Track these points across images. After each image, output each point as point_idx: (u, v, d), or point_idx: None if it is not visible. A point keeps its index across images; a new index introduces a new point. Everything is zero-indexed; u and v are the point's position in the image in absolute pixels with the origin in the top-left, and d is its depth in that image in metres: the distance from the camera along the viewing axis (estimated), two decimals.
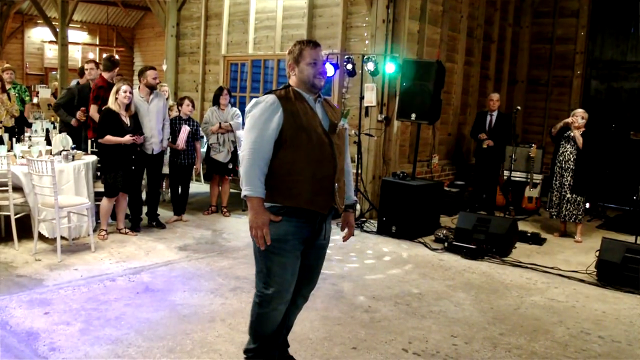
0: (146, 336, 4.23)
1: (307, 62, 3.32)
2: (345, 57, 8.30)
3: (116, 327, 4.36)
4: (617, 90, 11.21)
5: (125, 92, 6.61)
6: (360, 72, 8.16)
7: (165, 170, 7.96)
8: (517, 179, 9.60)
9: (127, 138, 6.64)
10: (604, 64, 11.34)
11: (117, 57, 9.91)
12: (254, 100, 3.32)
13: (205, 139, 8.33)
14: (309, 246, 3.41)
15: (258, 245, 3.26)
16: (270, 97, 3.25)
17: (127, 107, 6.73)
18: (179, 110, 7.95)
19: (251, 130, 3.23)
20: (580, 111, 7.89)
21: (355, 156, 8.14)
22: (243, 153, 3.22)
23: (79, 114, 8.07)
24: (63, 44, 14.82)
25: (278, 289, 3.36)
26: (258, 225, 3.21)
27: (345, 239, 3.73)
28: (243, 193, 3.21)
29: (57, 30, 14.86)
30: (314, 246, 3.44)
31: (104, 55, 9.10)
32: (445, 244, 7.14)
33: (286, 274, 3.35)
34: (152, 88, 7.15)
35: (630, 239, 7.01)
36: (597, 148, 8.03)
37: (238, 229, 7.63)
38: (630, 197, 9.26)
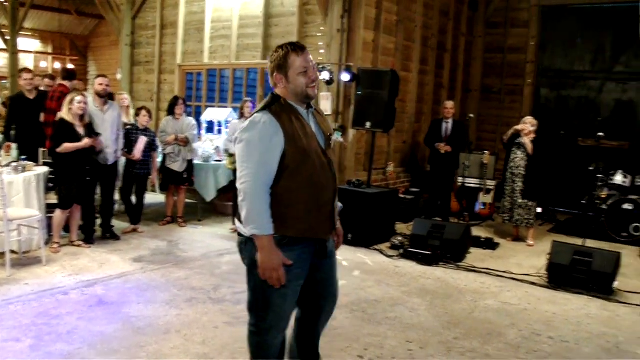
0: (99, 350, 4.16)
1: (298, 72, 2.95)
2: None
3: (68, 342, 4.28)
4: (565, 98, 11.53)
5: (79, 102, 6.53)
6: None
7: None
8: (471, 185, 9.77)
9: (86, 141, 6.54)
10: (553, 73, 11.65)
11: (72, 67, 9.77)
12: (248, 121, 2.94)
13: (160, 149, 8.27)
14: (317, 263, 3.15)
15: (272, 284, 2.93)
16: (267, 118, 2.89)
17: (82, 117, 6.64)
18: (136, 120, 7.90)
19: (250, 157, 2.87)
20: (529, 119, 8.10)
21: None
22: (243, 185, 2.86)
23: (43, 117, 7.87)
24: (13, 52, 14.54)
25: (276, 321, 3.10)
26: (273, 267, 2.88)
27: (335, 248, 3.39)
28: (249, 232, 2.89)
29: (7, 38, 14.57)
30: (323, 262, 3.19)
31: (67, 66, 8.96)
32: (401, 251, 7.23)
33: (286, 305, 3.09)
34: (102, 97, 7.06)
35: (580, 241, 7.20)
36: (547, 154, 8.25)
37: (194, 240, 7.58)
38: (579, 201, 9.54)
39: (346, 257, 7.14)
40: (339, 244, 3.39)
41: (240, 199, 2.91)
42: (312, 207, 2.97)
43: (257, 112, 2.97)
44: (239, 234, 3.09)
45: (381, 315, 5.15)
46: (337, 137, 3.10)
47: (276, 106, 2.96)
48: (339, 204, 3.36)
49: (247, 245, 3.02)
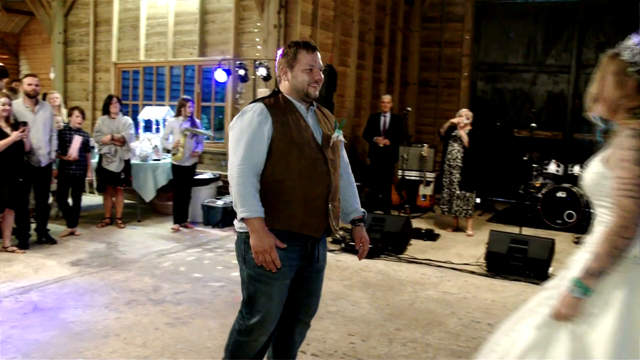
0: (35, 358, 4.04)
1: (303, 68, 2.94)
2: (237, 62, 8.29)
3: (1, 352, 4.13)
4: (500, 91, 11.82)
5: (3, 104, 6.32)
6: (252, 77, 8.17)
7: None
8: (411, 177, 9.91)
9: (15, 134, 6.32)
10: (488, 66, 11.92)
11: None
12: (241, 112, 2.97)
13: (96, 149, 8.09)
14: (305, 270, 3.08)
15: (268, 269, 2.87)
16: (258, 106, 2.92)
17: (7, 118, 6.42)
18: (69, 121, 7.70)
19: (238, 143, 2.87)
20: (464, 111, 8.26)
21: None
22: (231, 171, 2.86)
23: None
24: None
25: (261, 320, 3.00)
26: (265, 250, 2.82)
27: (360, 257, 3.28)
28: (239, 216, 2.83)
29: None
30: (311, 270, 3.11)
31: None
32: (343, 245, 7.27)
33: (271, 305, 2.99)
34: (32, 97, 6.84)
35: (517, 230, 7.40)
36: (483, 145, 8.44)
37: (133, 241, 7.44)
38: (516, 190, 9.80)
39: None
40: (365, 250, 3.25)
41: (230, 185, 2.91)
42: (301, 201, 2.91)
43: (253, 102, 3.03)
44: (235, 232, 3.10)
45: (323, 309, 5.16)
46: (337, 135, 2.99)
47: (272, 99, 3.00)
48: (361, 210, 3.31)
49: (237, 241, 3.04)
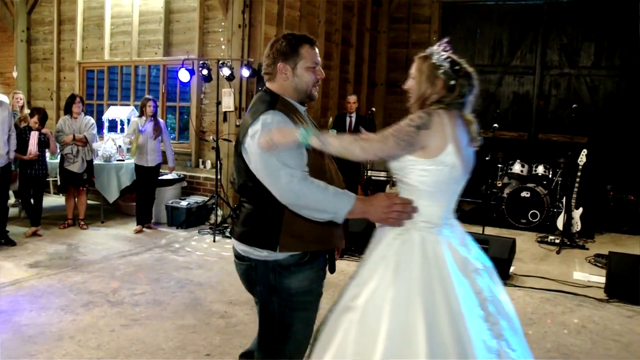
0: None
1: (307, 65, 2.58)
2: (201, 62, 8.24)
3: None
4: None
5: None
6: (217, 77, 8.12)
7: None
8: (378, 178, 9.94)
9: None
10: None
11: None
12: (258, 125, 2.43)
13: (58, 150, 7.98)
14: None
15: (404, 217, 2.45)
16: (279, 116, 2.47)
17: None
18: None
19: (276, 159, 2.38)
20: None
21: (215, 162, 8.09)
22: (288, 187, 2.34)
23: None
24: None
25: (295, 351, 2.65)
26: (390, 210, 2.42)
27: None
28: (341, 218, 2.40)
29: None
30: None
31: None
32: None
33: (307, 331, 2.66)
34: None
35: (480, 228, 7.47)
36: None
37: (95, 242, 7.35)
38: (481, 190, 9.89)
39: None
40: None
41: (294, 204, 2.38)
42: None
43: (261, 113, 2.47)
44: (243, 259, 2.63)
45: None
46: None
47: (280, 104, 2.54)
48: None
49: (258, 271, 2.58)
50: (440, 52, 2.52)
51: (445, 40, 2.58)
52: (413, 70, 2.58)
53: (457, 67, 2.50)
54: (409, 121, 2.40)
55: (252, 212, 2.58)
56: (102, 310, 5.00)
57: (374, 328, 2.28)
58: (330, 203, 2.35)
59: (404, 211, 2.44)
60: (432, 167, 2.43)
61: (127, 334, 4.51)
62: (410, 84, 2.59)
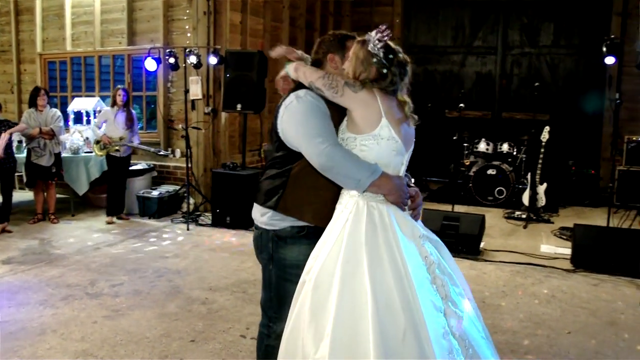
0: None
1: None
2: (168, 51, 8.19)
3: None
4: (431, 73, 12.04)
5: None
6: (183, 65, 8.09)
7: None
8: None
9: None
10: (418, 48, 12.10)
11: None
12: (292, 99, 2.68)
13: (24, 144, 7.87)
14: None
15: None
16: (311, 95, 2.66)
17: None
18: None
19: (311, 123, 2.59)
20: None
21: (186, 151, 8.08)
22: (326, 150, 2.50)
23: None
24: None
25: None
26: (405, 193, 2.61)
27: None
28: (364, 186, 2.51)
29: None
30: None
31: None
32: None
33: None
34: None
35: (450, 207, 7.62)
36: (417, 127, 8.59)
37: (68, 235, 7.30)
38: (449, 169, 10.08)
39: (225, 239, 7.16)
40: None
41: (325, 165, 2.52)
42: (332, 198, 2.66)
43: (292, 91, 2.74)
44: (256, 227, 2.86)
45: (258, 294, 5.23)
46: None
47: (311, 90, 2.68)
48: None
49: (263, 238, 2.80)
50: (376, 39, 2.60)
51: (385, 26, 2.66)
52: (350, 52, 2.68)
53: (391, 56, 2.61)
54: (344, 77, 2.61)
55: (268, 176, 2.80)
56: (82, 303, 5.00)
57: (325, 297, 2.38)
58: (357, 170, 2.50)
59: (414, 206, 2.72)
60: (370, 142, 2.55)
61: (110, 324, 4.53)
62: (345, 65, 2.70)
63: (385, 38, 2.64)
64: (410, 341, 2.28)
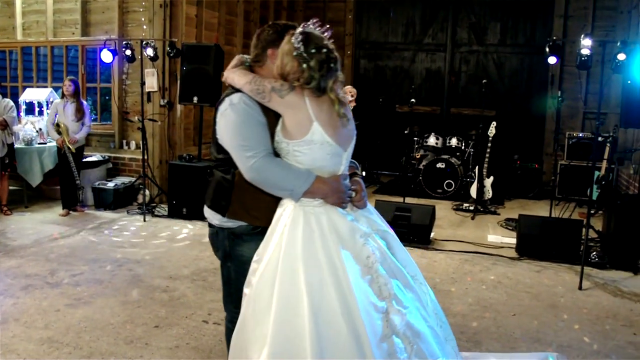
0: None
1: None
2: (124, 43, 8.19)
3: None
4: (382, 68, 12.33)
5: None
6: (139, 57, 8.11)
7: None
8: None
9: None
10: (370, 44, 12.37)
11: None
12: (226, 102, 2.67)
13: None
14: None
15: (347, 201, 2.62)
16: (245, 96, 2.63)
17: None
18: None
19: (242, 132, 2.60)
20: (348, 88, 8.57)
21: (141, 142, 8.11)
22: (251, 163, 2.52)
23: None
24: None
25: None
26: (342, 194, 2.58)
27: None
28: (297, 196, 2.51)
29: None
30: None
31: None
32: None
33: None
34: None
35: (401, 199, 7.87)
36: (368, 121, 8.84)
37: (23, 227, 7.25)
38: (399, 163, 10.36)
39: (183, 230, 7.26)
40: None
41: (255, 180, 2.55)
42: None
43: (227, 95, 2.69)
44: (210, 225, 2.89)
45: (221, 282, 5.35)
46: None
47: (245, 95, 2.68)
48: None
49: (219, 236, 2.83)
50: (299, 33, 2.51)
51: (314, 20, 2.60)
52: (280, 50, 2.59)
53: (312, 51, 2.49)
54: (272, 81, 2.53)
55: (215, 181, 2.82)
56: (43, 292, 5.04)
57: (266, 307, 2.42)
58: (288, 181, 2.51)
59: (358, 199, 2.67)
60: (303, 148, 2.50)
61: (73, 312, 4.60)
62: (276, 62, 2.62)
63: (312, 28, 2.55)
64: (350, 347, 2.32)
